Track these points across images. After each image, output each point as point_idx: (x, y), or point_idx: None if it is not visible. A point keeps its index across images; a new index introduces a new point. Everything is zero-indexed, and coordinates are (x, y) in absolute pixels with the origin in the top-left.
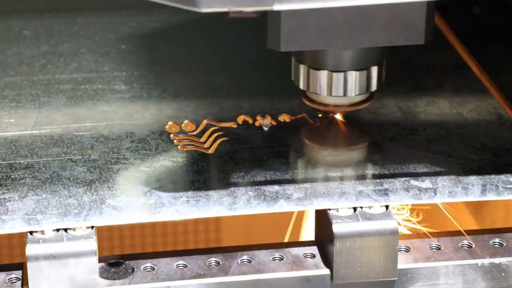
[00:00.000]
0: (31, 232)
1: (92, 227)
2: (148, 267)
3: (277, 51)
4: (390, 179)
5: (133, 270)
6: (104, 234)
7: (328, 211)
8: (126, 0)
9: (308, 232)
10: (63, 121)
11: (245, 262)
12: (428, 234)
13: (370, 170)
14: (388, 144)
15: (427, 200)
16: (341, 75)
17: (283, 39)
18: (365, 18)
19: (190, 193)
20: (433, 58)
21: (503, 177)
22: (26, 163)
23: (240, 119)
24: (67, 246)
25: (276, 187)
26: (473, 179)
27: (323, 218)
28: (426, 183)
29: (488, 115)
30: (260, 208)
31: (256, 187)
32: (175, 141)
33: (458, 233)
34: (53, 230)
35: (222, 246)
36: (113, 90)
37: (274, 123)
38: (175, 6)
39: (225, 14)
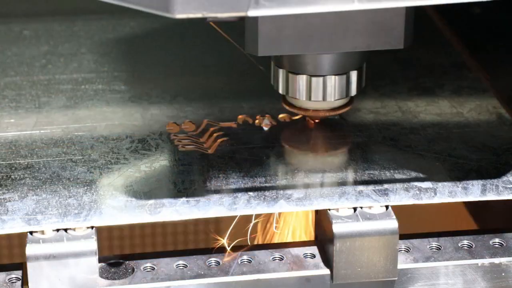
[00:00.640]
0: (31, 232)
1: (92, 227)
2: (148, 267)
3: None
4: (390, 179)
5: (133, 270)
6: (104, 234)
7: (328, 211)
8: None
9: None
10: (63, 121)
11: (245, 262)
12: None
13: (370, 170)
14: (388, 144)
15: (427, 200)
16: (320, 79)
17: (260, 43)
18: (343, 22)
19: (190, 193)
20: (433, 58)
21: (503, 177)
22: (26, 163)
23: (240, 119)
24: (67, 246)
25: (276, 187)
26: (473, 179)
27: (323, 218)
28: (426, 183)
29: (488, 115)
30: (260, 208)
31: (256, 187)
32: (175, 141)
33: (458, 233)
34: (53, 230)
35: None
36: (113, 90)
37: (274, 123)
38: (149, 12)
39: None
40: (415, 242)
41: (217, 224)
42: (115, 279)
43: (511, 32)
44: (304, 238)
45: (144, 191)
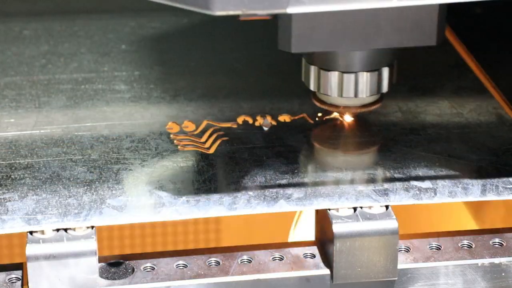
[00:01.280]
0: (31, 232)
1: (92, 227)
2: (148, 267)
3: (288, 52)
4: (390, 179)
5: (133, 270)
6: (104, 234)
7: (328, 211)
8: (126, 0)
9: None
10: (63, 121)
11: (245, 262)
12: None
13: (370, 170)
14: (388, 144)
15: (427, 200)
16: (352, 76)
17: (294, 40)
18: (376, 19)
19: (190, 193)
20: (433, 58)
21: (503, 177)
22: (26, 163)
23: (240, 119)
24: (67, 246)
25: (276, 187)
26: (473, 179)
27: (323, 218)
28: (426, 183)
29: (488, 115)
30: (260, 208)
31: (256, 187)
32: (175, 141)
33: (458, 233)
34: (53, 230)
35: (222, 246)
36: (113, 90)
37: (274, 123)
38: (188, 9)
39: (227, 15)
40: (415, 242)
41: (217, 224)
42: (115, 279)
43: (511, 32)
44: None
45: (144, 191)
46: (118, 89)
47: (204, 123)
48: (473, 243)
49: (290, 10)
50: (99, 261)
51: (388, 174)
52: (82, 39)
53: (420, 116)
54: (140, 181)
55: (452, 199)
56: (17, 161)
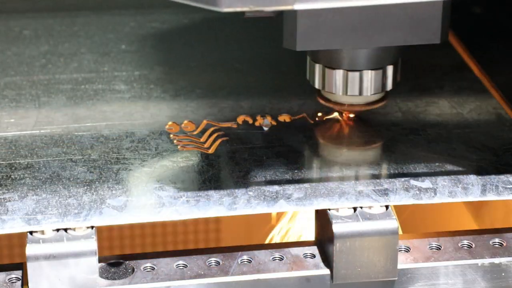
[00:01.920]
0: (31, 232)
1: (92, 227)
2: (148, 267)
3: (292, 50)
4: (390, 179)
5: (133, 270)
6: (104, 234)
7: (328, 211)
8: (126, 0)
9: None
10: (63, 121)
11: (245, 262)
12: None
13: (370, 170)
14: (388, 144)
15: (427, 200)
16: (357, 74)
17: (299, 38)
18: (381, 17)
19: (190, 193)
20: (433, 58)
21: (503, 177)
22: (26, 163)
23: (240, 119)
24: (67, 246)
25: (276, 187)
26: (473, 179)
27: (323, 218)
28: (426, 183)
29: (488, 115)
30: (260, 208)
31: (256, 187)
32: (175, 141)
33: (458, 233)
34: (53, 230)
35: (222, 246)
36: (113, 90)
37: (274, 123)
38: (196, 6)
39: (228, 14)
40: (415, 242)
41: (217, 224)
42: (115, 279)
43: (511, 32)
44: None
45: (144, 191)
46: (118, 89)
47: (204, 123)
48: (473, 243)
49: (297, 6)
50: (99, 261)
51: (388, 174)
52: (82, 39)
53: (420, 116)
54: (140, 181)
55: (452, 199)
56: (17, 161)
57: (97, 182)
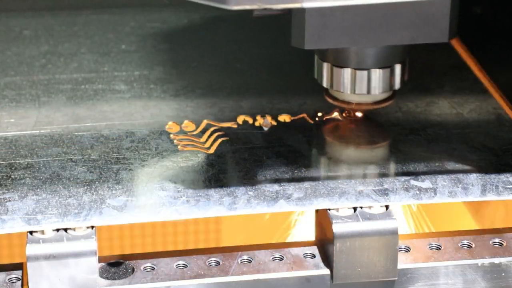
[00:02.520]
0: (31, 232)
1: (92, 227)
2: (148, 267)
3: (300, 49)
4: (390, 179)
5: (133, 270)
6: (104, 234)
7: (328, 211)
8: (126, 0)
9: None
10: (63, 121)
11: (245, 262)
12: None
13: (370, 170)
14: (388, 144)
15: (427, 200)
16: (365, 73)
17: (307, 37)
18: (389, 15)
19: (190, 193)
20: (433, 58)
21: (503, 177)
22: (26, 163)
23: (240, 119)
24: (67, 246)
25: (276, 187)
26: (473, 179)
27: (323, 218)
28: (426, 183)
29: (488, 115)
30: (260, 208)
31: (256, 187)
32: (175, 141)
33: (458, 233)
34: (53, 230)
35: (222, 246)
36: (113, 90)
37: (274, 123)
38: (205, 4)
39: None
40: (415, 242)
41: (217, 224)
42: (115, 279)
43: (511, 32)
44: None
45: (144, 190)
46: (118, 89)
47: (204, 123)
48: (473, 243)
49: (306, 4)
50: (99, 261)
51: (388, 174)
52: (82, 39)
53: (420, 116)
54: (140, 181)
55: (452, 199)
56: (17, 161)
57: (97, 182)
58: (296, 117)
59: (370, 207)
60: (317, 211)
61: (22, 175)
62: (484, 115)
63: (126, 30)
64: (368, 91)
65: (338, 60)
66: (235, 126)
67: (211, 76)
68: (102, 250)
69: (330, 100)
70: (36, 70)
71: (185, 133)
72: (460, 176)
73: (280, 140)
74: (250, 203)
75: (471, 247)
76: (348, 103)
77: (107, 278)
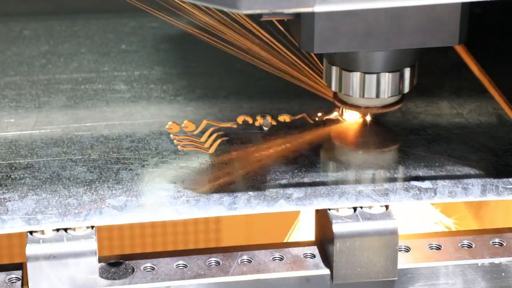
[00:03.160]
0: (31, 232)
1: (92, 227)
2: (148, 267)
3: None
4: (390, 179)
5: (133, 270)
6: (104, 234)
7: (328, 211)
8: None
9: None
10: (63, 121)
11: (245, 262)
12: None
13: (370, 170)
14: (388, 144)
15: (427, 200)
16: (374, 76)
17: (317, 41)
18: (399, 19)
19: (190, 193)
20: (433, 58)
21: (503, 177)
22: (26, 163)
23: (240, 119)
24: (67, 246)
25: (276, 187)
26: (473, 179)
27: (323, 218)
28: (426, 183)
29: (488, 116)
30: (260, 208)
31: (256, 187)
32: (175, 141)
33: (458, 233)
34: (53, 230)
35: (222, 246)
36: (113, 90)
37: (274, 123)
38: (215, 7)
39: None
40: (415, 242)
41: (217, 224)
42: (115, 279)
43: (511, 32)
44: None
45: (144, 190)
46: (118, 89)
47: (204, 123)
48: (473, 243)
49: (317, 8)
50: (99, 261)
51: (388, 174)
52: (82, 39)
53: (420, 117)
54: (140, 181)
55: (452, 199)
56: (17, 161)
57: (97, 182)
58: (296, 117)
59: (370, 207)
60: (317, 211)
61: (22, 175)
62: (484, 115)
63: (126, 30)
64: (377, 95)
65: (347, 64)
66: (235, 126)
67: (211, 76)
68: (102, 250)
69: (339, 104)
70: (36, 70)
71: (185, 133)
72: (460, 176)
73: (280, 140)
74: (250, 203)
75: (471, 247)
76: (357, 106)
77: (107, 278)
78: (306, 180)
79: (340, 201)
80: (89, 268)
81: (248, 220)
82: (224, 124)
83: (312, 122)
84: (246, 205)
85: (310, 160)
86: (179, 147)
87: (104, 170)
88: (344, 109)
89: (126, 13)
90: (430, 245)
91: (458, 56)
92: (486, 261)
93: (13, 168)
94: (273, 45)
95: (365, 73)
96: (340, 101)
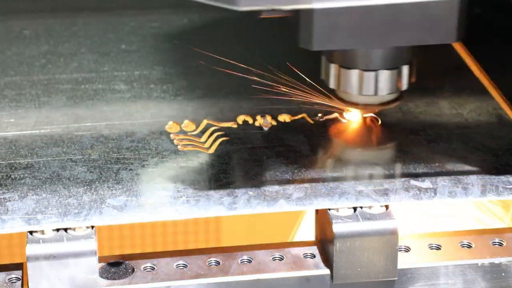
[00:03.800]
0: (31, 232)
1: (92, 227)
2: (148, 267)
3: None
4: (390, 179)
5: (133, 270)
6: (104, 234)
7: (328, 211)
8: (126, 0)
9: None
10: (63, 121)
11: (245, 262)
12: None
13: (370, 170)
14: (388, 144)
15: (427, 200)
16: (372, 74)
17: (315, 38)
18: (397, 16)
19: (190, 193)
20: (433, 58)
21: (503, 177)
22: (26, 163)
23: (240, 119)
24: (67, 246)
25: (276, 187)
26: (473, 179)
27: (323, 218)
28: (426, 183)
29: (488, 116)
30: (260, 208)
31: (256, 187)
32: (175, 141)
33: (458, 233)
34: (53, 230)
35: (222, 246)
36: (113, 90)
37: (274, 123)
38: (213, 5)
39: (228, 14)
40: (415, 242)
41: (217, 224)
42: (115, 279)
43: (511, 32)
44: None
45: (144, 190)
46: (118, 89)
47: (204, 123)
48: (473, 243)
49: (315, 4)
50: (99, 261)
51: (388, 174)
52: (82, 39)
53: (420, 116)
54: (140, 181)
55: (452, 199)
56: (17, 161)
57: (97, 182)
58: (296, 117)
59: (370, 207)
60: (317, 211)
61: (22, 175)
62: (484, 115)
63: (126, 30)
64: (376, 92)
65: (346, 61)
66: (235, 126)
67: (211, 76)
68: (102, 250)
69: (337, 102)
70: (36, 70)
71: (185, 133)
72: (460, 176)
73: (280, 140)
74: (250, 203)
75: (471, 247)
76: (356, 104)
77: (107, 278)
78: (306, 180)
79: (340, 201)
80: (89, 268)
81: (248, 220)
82: (224, 124)
83: (312, 122)
84: (246, 205)
85: (310, 160)
86: (179, 147)
87: (104, 170)
88: (344, 109)
89: (126, 13)
90: (430, 245)
91: (458, 56)
92: (486, 261)
93: (13, 168)
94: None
95: (363, 70)
96: (338, 98)
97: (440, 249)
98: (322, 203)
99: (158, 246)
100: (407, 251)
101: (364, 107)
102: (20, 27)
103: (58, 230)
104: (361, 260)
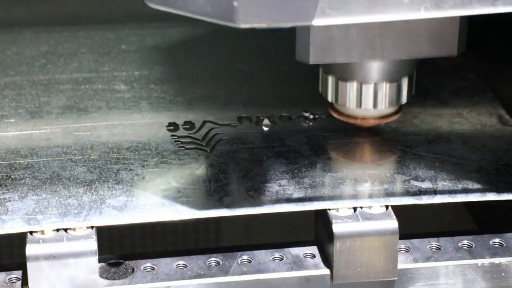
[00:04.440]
0: (31, 232)
1: (92, 227)
2: (148, 267)
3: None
4: (390, 179)
5: (133, 270)
6: (104, 234)
7: (328, 211)
8: (126, 1)
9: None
10: (63, 121)
11: (245, 262)
12: None
13: (370, 170)
14: (388, 145)
15: (427, 200)
16: (371, 86)
17: (312, 51)
18: (396, 30)
19: (190, 193)
20: (433, 58)
21: (503, 177)
22: (26, 163)
23: (240, 119)
24: (67, 246)
25: (276, 187)
26: (473, 179)
27: (323, 218)
28: (426, 183)
29: (488, 116)
30: (260, 208)
31: (256, 187)
32: (175, 141)
33: (458, 233)
34: (53, 230)
35: (222, 246)
36: (113, 90)
37: (274, 123)
38: (212, 22)
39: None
40: (415, 242)
41: (217, 224)
42: (115, 279)
43: (511, 32)
44: None
45: (144, 190)
46: (118, 89)
47: (204, 123)
48: (473, 243)
49: (316, 22)
50: (99, 261)
51: (388, 174)
52: (82, 39)
53: (420, 116)
54: (140, 181)
55: (452, 199)
56: (17, 161)
57: (97, 182)
58: (296, 117)
59: (370, 207)
60: (317, 211)
61: (22, 175)
62: (484, 115)
63: (126, 30)
64: (374, 106)
65: (344, 74)
66: (235, 126)
67: (211, 76)
68: (102, 250)
69: (335, 115)
70: (36, 70)
71: (185, 133)
72: (460, 176)
73: (280, 140)
74: (250, 203)
75: (471, 247)
76: (354, 117)
77: (107, 278)
78: (306, 180)
79: (340, 201)
80: (89, 268)
81: (248, 220)
82: (224, 124)
83: (312, 122)
84: (246, 205)
85: (310, 160)
86: (179, 147)
87: (104, 170)
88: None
89: (126, 13)
90: (430, 245)
91: (458, 56)
92: (486, 261)
93: (13, 168)
94: None
95: (362, 83)
96: (336, 111)
97: (440, 249)
98: (322, 203)
99: (158, 246)
100: (407, 251)
101: (362, 120)
102: (20, 27)
103: (58, 230)
104: (361, 260)
